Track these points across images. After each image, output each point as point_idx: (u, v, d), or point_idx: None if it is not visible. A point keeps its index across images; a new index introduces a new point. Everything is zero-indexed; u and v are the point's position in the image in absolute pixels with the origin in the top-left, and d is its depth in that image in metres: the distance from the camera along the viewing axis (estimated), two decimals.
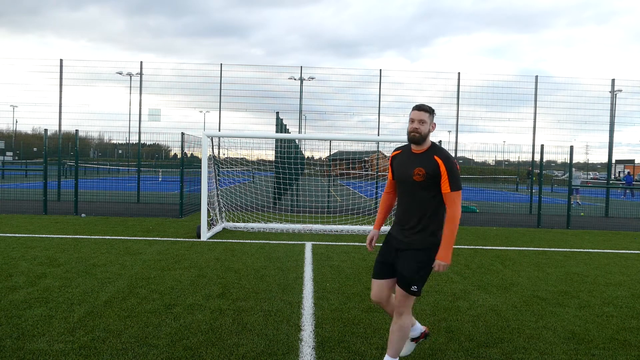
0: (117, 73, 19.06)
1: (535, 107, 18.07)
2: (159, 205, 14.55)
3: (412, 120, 3.20)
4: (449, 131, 19.55)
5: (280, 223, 10.71)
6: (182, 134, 12.13)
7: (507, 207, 16.78)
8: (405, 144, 3.38)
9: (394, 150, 3.42)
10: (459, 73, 18.06)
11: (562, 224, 12.57)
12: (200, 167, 9.85)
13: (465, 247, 8.80)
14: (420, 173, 3.14)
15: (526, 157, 19.72)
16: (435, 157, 3.15)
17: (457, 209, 3.11)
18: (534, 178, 17.63)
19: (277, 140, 13.75)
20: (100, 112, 18.78)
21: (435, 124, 3.29)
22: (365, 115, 21.24)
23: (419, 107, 3.22)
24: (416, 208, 3.19)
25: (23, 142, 44.39)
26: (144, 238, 8.73)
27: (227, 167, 12.18)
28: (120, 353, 3.63)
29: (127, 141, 20.70)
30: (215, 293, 5.26)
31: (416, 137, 3.19)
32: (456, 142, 17.93)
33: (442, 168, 3.11)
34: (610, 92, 18.21)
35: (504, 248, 8.85)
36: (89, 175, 26.66)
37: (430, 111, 3.21)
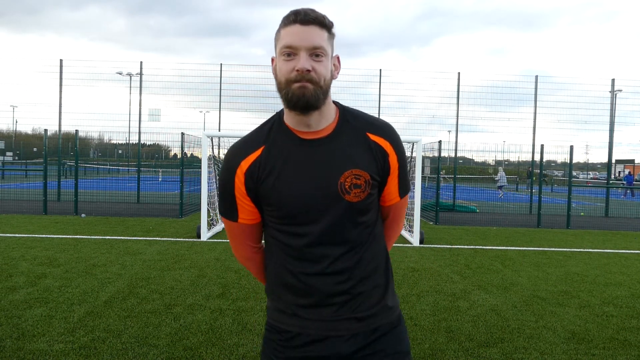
0: (117, 73, 19.10)
1: (536, 107, 18.08)
2: (159, 205, 14.55)
3: (289, 52, 1.38)
4: (449, 131, 19.59)
5: None
6: (182, 134, 12.13)
7: (507, 207, 16.77)
8: (252, 130, 1.56)
9: (239, 155, 1.49)
10: (459, 73, 18.08)
11: (562, 224, 12.57)
12: (200, 167, 9.85)
13: (465, 247, 8.80)
14: (360, 181, 1.41)
15: (526, 157, 19.76)
16: (371, 136, 1.46)
17: (402, 224, 1.68)
18: (534, 178, 17.63)
19: None
20: (100, 112, 18.82)
21: (338, 57, 1.50)
22: None
23: (305, 18, 1.36)
24: (358, 256, 1.45)
25: (23, 142, 44.38)
26: (144, 238, 8.73)
27: None
28: (120, 353, 3.63)
29: (127, 141, 20.76)
30: (215, 293, 5.26)
31: (309, 90, 1.37)
32: (456, 142, 17.95)
33: (393, 156, 1.48)
34: (610, 92, 18.22)
35: (504, 248, 8.85)
36: (89, 175, 26.64)
37: (329, 26, 1.41)
